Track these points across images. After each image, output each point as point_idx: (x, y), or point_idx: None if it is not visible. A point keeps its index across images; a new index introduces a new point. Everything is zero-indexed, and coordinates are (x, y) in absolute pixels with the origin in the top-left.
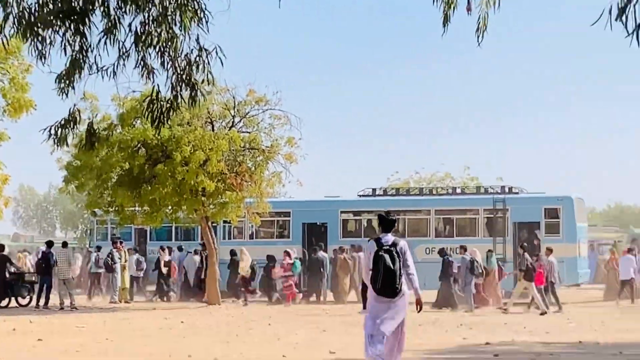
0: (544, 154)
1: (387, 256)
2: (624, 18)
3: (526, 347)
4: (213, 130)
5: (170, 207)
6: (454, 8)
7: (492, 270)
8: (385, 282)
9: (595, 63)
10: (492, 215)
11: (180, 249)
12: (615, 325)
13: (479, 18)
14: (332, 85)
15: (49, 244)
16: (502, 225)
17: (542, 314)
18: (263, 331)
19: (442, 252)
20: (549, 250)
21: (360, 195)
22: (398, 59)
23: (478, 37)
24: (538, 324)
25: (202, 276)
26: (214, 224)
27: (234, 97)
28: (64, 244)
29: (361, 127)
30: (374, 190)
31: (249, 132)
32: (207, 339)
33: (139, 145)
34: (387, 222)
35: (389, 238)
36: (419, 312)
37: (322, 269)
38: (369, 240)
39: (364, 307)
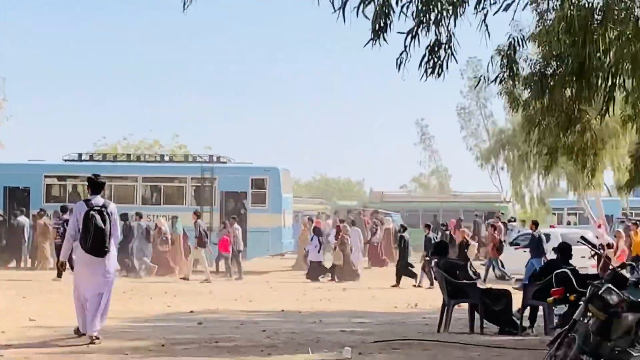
0: (252, 125)
1: (98, 216)
2: None
3: (230, 314)
4: None
5: None
6: None
7: (178, 237)
8: (96, 241)
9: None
10: (200, 184)
11: None
12: (315, 295)
13: None
14: (37, 40)
15: None
16: (209, 194)
17: (205, 281)
18: None
19: (124, 217)
20: (234, 219)
21: (65, 160)
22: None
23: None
24: (242, 293)
25: None
26: None
27: None
28: None
29: (70, 90)
30: (79, 155)
31: None
32: None
33: None
34: (96, 185)
35: (99, 200)
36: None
37: (22, 234)
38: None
39: (59, 276)
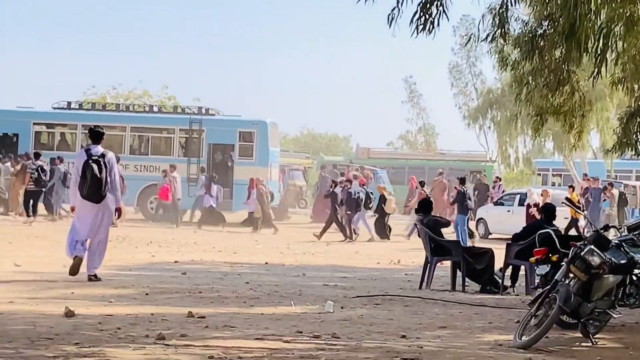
0: (240, 79)
1: (95, 166)
2: None
3: (214, 265)
4: None
5: None
6: None
7: None
8: (92, 189)
9: None
10: (187, 136)
11: None
12: (299, 249)
13: None
14: None
15: None
16: (197, 146)
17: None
18: None
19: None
20: (173, 167)
21: (55, 108)
22: None
23: None
24: (227, 244)
25: None
26: None
27: None
28: None
29: (59, 37)
30: (69, 103)
31: None
32: None
33: None
34: (96, 134)
35: (99, 149)
36: (118, 218)
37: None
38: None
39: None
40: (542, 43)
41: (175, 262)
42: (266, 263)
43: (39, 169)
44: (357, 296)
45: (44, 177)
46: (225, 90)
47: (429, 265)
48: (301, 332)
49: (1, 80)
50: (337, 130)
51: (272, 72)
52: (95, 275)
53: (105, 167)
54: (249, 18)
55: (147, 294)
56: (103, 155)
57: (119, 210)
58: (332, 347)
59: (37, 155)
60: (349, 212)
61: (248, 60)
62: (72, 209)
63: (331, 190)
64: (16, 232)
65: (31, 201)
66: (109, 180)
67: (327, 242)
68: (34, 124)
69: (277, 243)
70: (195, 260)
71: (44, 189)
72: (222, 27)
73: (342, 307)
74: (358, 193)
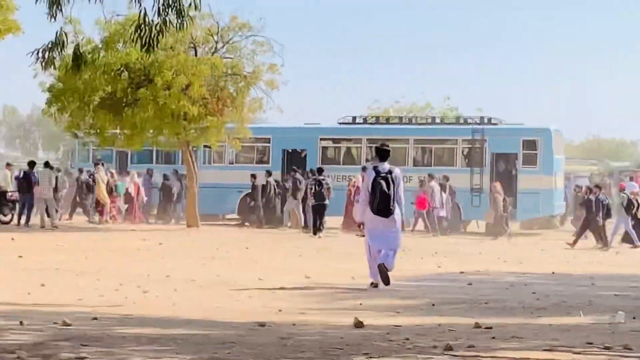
0: (524, 86)
1: (383, 182)
2: None
3: (499, 276)
4: (196, 55)
5: (151, 131)
6: None
7: None
8: (381, 204)
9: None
10: (470, 146)
11: (150, 172)
12: (585, 258)
13: None
14: (315, 11)
15: (31, 164)
16: (479, 155)
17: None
18: (240, 254)
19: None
20: (430, 177)
21: (340, 123)
22: None
23: None
24: (513, 255)
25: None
26: (194, 148)
27: (217, 23)
28: (46, 164)
29: (343, 55)
30: (354, 118)
31: (232, 58)
32: (184, 261)
33: (121, 69)
34: (383, 152)
35: (386, 166)
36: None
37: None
38: (363, 168)
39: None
40: None
41: (461, 272)
42: (553, 273)
43: (318, 183)
44: None
45: (323, 191)
46: (507, 98)
47: None
48: (591, 344)
49: (289, 97)
50: (625, 135)
51: (555, 80)
52: (384, 271)
53: (393, 182)
54: (532, 22)
55: (433, 305)
56: (390, 172)
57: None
58: (624, 359)
59: (320, 171)
60: (596, 219)
61: (531, 68)
62: (359, 226)
63: (586, 197)
64: (306, 245)
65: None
66: (396, 195)
67: (616, 251)
68: (321, 139)
69: (563, 252)
70: (481, 270)
71: (324, 203)
72: (502, 33)
73: (633, 317)
74: (607, 200)
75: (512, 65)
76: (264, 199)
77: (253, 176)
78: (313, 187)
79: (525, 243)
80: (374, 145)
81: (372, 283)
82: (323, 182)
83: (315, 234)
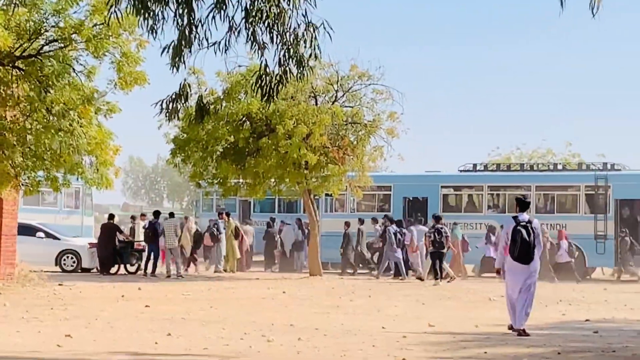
0: None
1: (524, 231)
2: None
3: (626, 324)
4: (316, 104)
5: (273, 180)
6: None
7: (456, 242)
8: (522, 251)
9: None
10: (593, 192)
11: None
12: None
13: None
14: (434, 59)
15: (156, 214)
16: (603, 202)
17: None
18: (363, 302)
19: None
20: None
21: (460, 170)
22: (500, 35)
23: (592, 9)
24: (639, 302)
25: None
26: (316, 197)
27: (337, 72)
28: (171, 215)
29: (463, 102)
30: (474, 165)
31: (352, 107)
32: (308, 309)
33: (243, 119)
34: (523, 204)
35: (525, 217)
36: None
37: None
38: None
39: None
40: None
41: (587, 320)
42: None
43: (437, 231)
44: None
45: (441, 240)
46: (632, 144)
47: None
48: None
49: (410, 145)
50: None
51: None
52: (523, 330)
53: (533, 232)
54: None
55: (559, 353)
56: (530, 222)
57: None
58: None
59: (438, 219)
60: None
61: None
62: (497, 271)
63: None
64: (427, 294)
65: (437, 262)
66: (535, 243)
67: None
68: (442, 187)
69: None
70: (607, 318)
71: (442, 250)
72: (623, 77)
73: None
74: None
75: (635, 109)
76: (359, 247)
77: (347, 224)
78: (432, 235)
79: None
80: (495, 192)
81: (510, 326)
82: (442, 230)
83: (436, 279)
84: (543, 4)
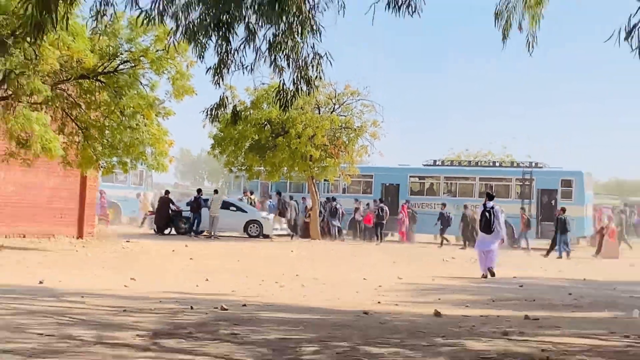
0: (563, 136)
1: (487, 214)
2: (629, 39)
3: (544, 280)
4: (319, 113)
5: (286, 168)
6: (509, 28)
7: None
8: (485, 226)
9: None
10: (521, 184)
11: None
12: (612, 269)
13: (527, 36)
14: (406, 79)
15: (199, 191)
16: (528, 190)
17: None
18: (350, 261)
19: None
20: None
21: (424, 165)
22: (457, 65)
23: (528, 48)
24: (553, 265)
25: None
26: (317, 181)
27: (335, 90)
28: (215, 191)
29: (428, 114)
30: (434, 161)
31: (345, 116)
32: (309, 264)
33: (265, 123)
34: (489, 195)
35: (490, 204)
36: (502, 243)
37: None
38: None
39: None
40: None
41: (514, 277)
42: (584, 279)
43: (381, 209)
44: None
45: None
46: (552, 146)
47: None
48: (614, 333)
49: (388, 146)
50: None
51: (590, 134)
52: (489, 269)
53: (494, 214)
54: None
55: (493, 301)
56: (492, 207)
57: (502, 239)
58: (638, 344)
59: (382, 201)
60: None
61: (568, 124)
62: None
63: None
64: (397, 255)
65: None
66: (495, 222)
67: (631, 264)
68: (410, 176)
69: (592, 263)
70: (530, 276)
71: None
72: (547, 92)
73: None
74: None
75: (553, 119)
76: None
77: (330, 200)
78: (377, 211)
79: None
80: (449, 181)
81: (482, 275)
82: (384, 208)
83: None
84: (493, 39)
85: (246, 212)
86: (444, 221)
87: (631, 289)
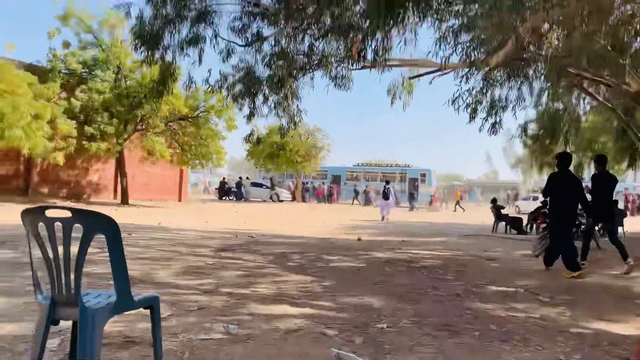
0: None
1: (386, 190)
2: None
3: (416, 223)
4: (300, 139)
5: (284, 167)
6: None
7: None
8: (384, 196)
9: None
10: (401, 175)
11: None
12: (434, 216)
13: (402, 100)
14: (346, 122)
15: (240, 178)
16: (404, 179)
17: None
18: (314, 214)
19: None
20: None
21: (354, 165)
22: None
23: (404, 106)
24: (418, 216)
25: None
26: (300, 173)
27: (309, 127)
28: (247, 178)
29: (360, 134)
30: (359, 163)
31: (314, 141)
32: (298, 214)
33: (274, 144)
34: (387, 181)
35: (387, 185)
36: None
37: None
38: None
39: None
40: None
41: (394, 221)
42: (430, 222)
43: (330, 188)
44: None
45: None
46: (420, 154)
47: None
48: (445, 248)
49: (336, 154)
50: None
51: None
52: (383, 218)
53: (389, 190)
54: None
55: (386, 233)
56: (388, 187)
57: (396, 202)
58: (456, 256)
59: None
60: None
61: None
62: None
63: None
64: (342, 213)
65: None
66: (390, 194)
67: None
68: (347, 172)
69: (430, 215)
70: (417, 221)
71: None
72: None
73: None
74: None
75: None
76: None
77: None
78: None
79: (421, 213)
80: (368, 175)
81: (382, 218)
82: (332, 188)
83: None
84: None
85: (269, 187)
86: (365, 195)
87: (450, 225)
